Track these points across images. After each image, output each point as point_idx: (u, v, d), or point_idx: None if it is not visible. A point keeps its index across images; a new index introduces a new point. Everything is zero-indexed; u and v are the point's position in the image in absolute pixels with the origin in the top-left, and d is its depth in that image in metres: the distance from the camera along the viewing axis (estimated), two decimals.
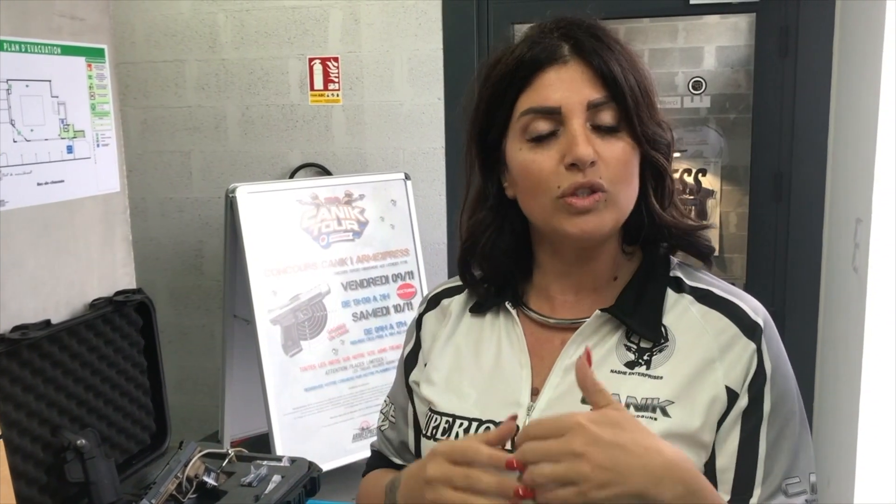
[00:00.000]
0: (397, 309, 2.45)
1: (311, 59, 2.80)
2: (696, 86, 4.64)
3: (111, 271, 1.75)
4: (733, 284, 0.93)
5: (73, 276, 1.63)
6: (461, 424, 0.90)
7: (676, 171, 4.74)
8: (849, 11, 2.25)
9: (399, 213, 2.48)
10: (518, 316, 0.93)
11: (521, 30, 3.02)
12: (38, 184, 1.54)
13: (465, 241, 0.96)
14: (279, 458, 1.69)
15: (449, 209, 2.74)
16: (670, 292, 0.90)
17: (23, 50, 1.51)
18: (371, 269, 2.41)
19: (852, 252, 1.94)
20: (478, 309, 0.97)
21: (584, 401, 0.78)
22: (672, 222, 0.89)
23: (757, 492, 0.82)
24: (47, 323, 1.51)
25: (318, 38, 2.79)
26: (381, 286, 2.43)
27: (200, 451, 1.59)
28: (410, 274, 2.48)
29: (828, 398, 2.30)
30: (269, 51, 2.84)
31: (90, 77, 1.68)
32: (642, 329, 0.86)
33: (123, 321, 1.69)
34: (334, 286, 2.33)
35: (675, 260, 0.94)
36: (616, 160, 0.83)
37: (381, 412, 1.09)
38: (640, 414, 0.83)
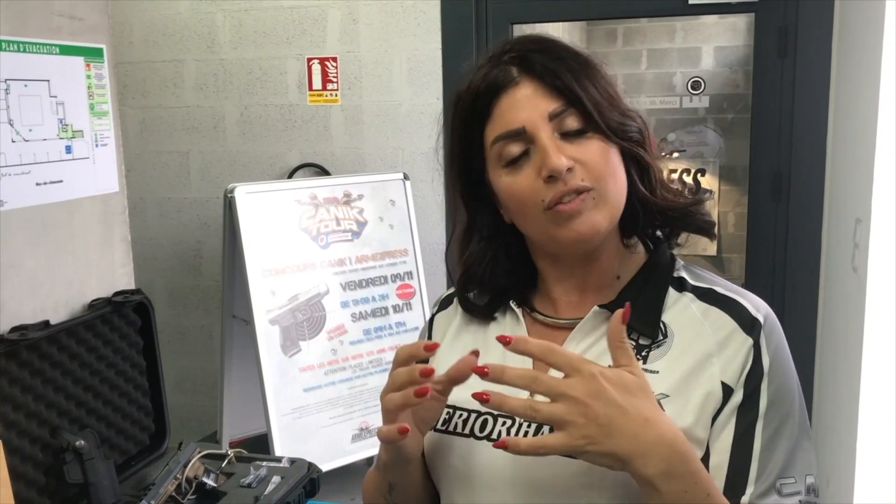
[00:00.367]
0: (396, 309, 2.44)
1: (309, 59, 2.80)
2: (695, 86, 4.65)
3: (110, 271, 1.75)
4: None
5: (71, 276, 1.63)
6: (460, 415, 0.91)
7: (675, 170, 4.75)
8: (848, 11, 2.25)
9: (398, 214, 2.48)
10: (523, 316, 0.94)
11: (520, 30, 3.01)
12: (37, 184, 1.54)
13: (462, 274, 0.98)
14: (279, 459, 1.68)
15: (448, 209, 2.74)
16: (672, 291, 0.90)
17: (21, 50, 1.51)
18: (370, 270, 2.41)
19: (852, 252, 1.94)
20: (482, 316, 0.98)
21: None
22: (665, 205, 0.90)
23: (749, 489, 0.82)
24: (46, 323, 1.51)
25: (317, 38, 2.79)
26: (380, 286, 2.43)
27: (200, 452, 1.59)
28: (409, 274, 2.48)
29: (827, 398, 2.30)
30: (268, 51, 2.84)
31: (89, 77, 1.68)
32: (640, 326, 0.87)
33: (122, 321, 1.68)
34: (333, 286, 2.33)
35: (680, 262, 0.94)
36: (592, 159, 0.84)
37: None
38: None
